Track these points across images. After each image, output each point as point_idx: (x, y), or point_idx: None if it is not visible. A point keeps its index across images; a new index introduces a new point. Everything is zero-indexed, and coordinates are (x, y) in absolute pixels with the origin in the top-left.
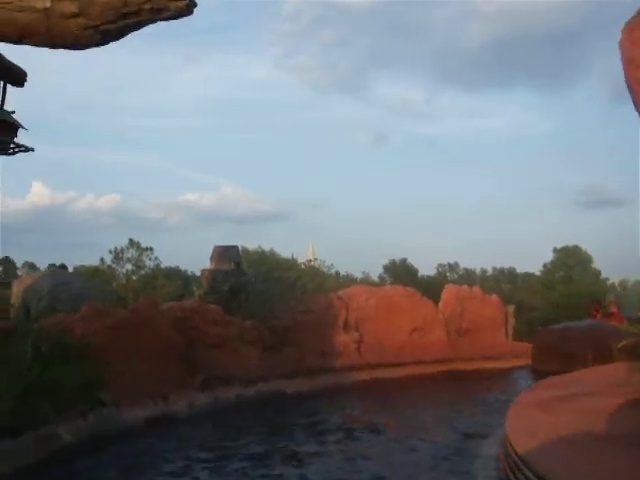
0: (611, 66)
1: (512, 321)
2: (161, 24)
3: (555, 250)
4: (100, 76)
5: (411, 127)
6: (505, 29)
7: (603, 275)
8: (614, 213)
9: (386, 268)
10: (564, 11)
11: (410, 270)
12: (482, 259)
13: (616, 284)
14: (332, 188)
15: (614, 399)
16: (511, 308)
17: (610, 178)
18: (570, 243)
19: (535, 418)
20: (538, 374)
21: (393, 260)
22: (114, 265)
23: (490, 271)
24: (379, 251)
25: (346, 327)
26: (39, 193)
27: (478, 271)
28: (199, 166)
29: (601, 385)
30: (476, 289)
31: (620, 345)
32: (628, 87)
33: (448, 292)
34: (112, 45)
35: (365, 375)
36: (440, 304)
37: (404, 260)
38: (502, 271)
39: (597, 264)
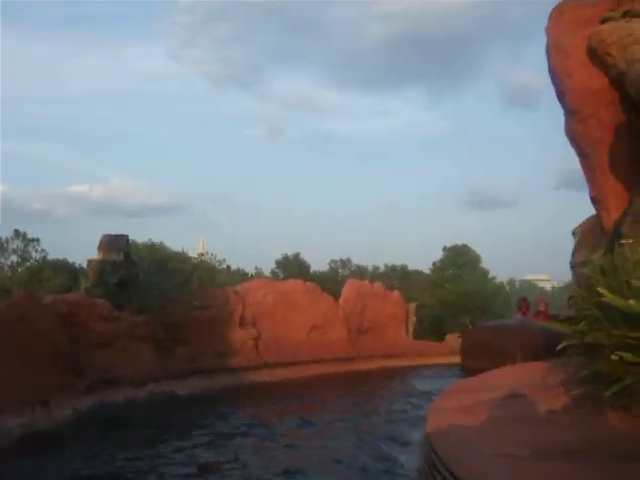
0: (505, 69)
1: (413, 319)
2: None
3: (445, 249)
4: None
5: (307, 123)
6: (403, 30)
7: (490, 274)
8: (503, 214)
9: (279, 263)
10: (460, 14)
11: (303, 265)
12: (374, 256)
13: (505, 283)
14: (231, 182)
15: (541, 404)
16: (412, 306)
17: (500, 179)
18: (460, 242)
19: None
20: (467, 371)
21: (286, 255)
22: None
23: (382, 268)
24: (272, 246)
25: (243, 323)
26: None
27: (370, 268)
28: (89, 157)
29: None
30: (378, 285)
31: (560, 346)
32: (552, 76)
33: (349, 288)
34: None
35: (264, 375)
36: (341, 300)
37: (297, 255)
38: (394, 268)
39: (485, 264)
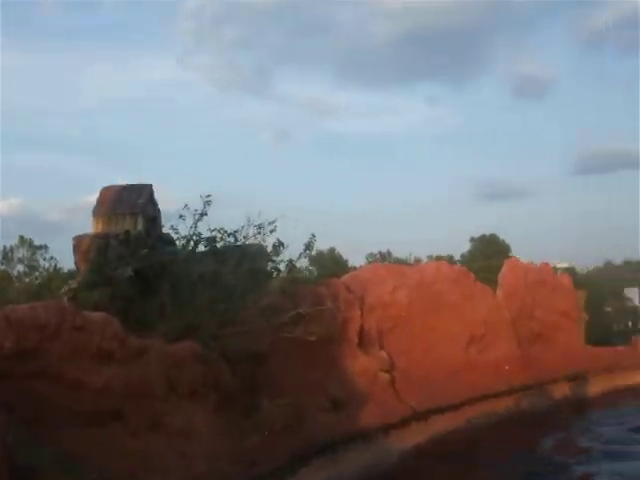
0: (512, 60)
1: (584, 316)
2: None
3: (472, 240)
4: None
5: (318, 125)
6: (409, 27)
7: None
8: (521, 203)
9: (312, 259)
10: (466, 7)
11: (339, 261)
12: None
13: None
14: (244, 186)
15: None
16: (583, 295)
17: (517, 170)
18: (484, 233)
19: None
20: None
21: (320, 250)
22: None
23: (424, 259)
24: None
25: (364, 343)
26: None
27: (412, 260)
28: (105, 166)
29: None
30: (546, 268)
31: None
32: None
33: (511, 271)
34: None
35: (416, 434)
36: (500, 292)
37: (332, 250)
38: (431, 259)
39: (514, 252)
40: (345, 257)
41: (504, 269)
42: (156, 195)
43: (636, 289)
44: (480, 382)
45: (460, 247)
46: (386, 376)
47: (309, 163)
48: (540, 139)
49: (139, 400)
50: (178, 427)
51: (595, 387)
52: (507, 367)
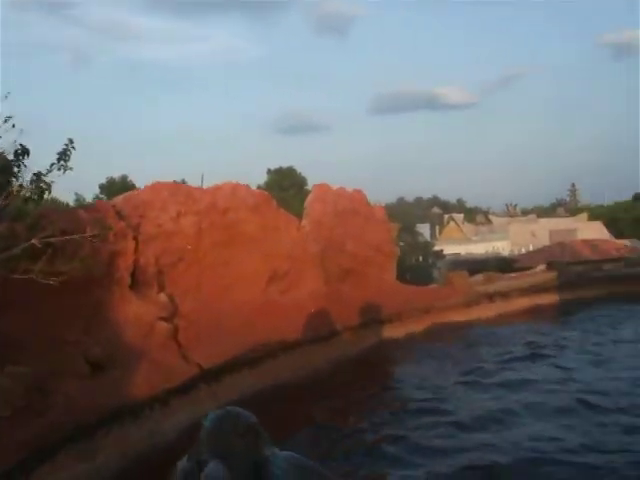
0: None
1: (397, 251)
2: None
3: (269, 172)
4: None
5: (121, 50)
6: None
7: None
8: (319, 138)
9: (102, 187)
10: None
11: (132, 189)
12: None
13: None
14: (36, 110)
15: None
16: (395, 227)
17: (313, 104)
18: (285, 165)
19: None
20: None
21: (112, 178)
22: None
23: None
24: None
25: (139, 284)
26: None
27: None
28: None
29: None
30: (359, 194)
31: None
32: None
33: (319, 198)
34: None
35: (205, 397)
36: (306, 222)
37: (125, 177)
38: None
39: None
40: (139, 186)
41: (311, 196)
42: None
43: (427, 225)
44: (283, 327)
45: (258, 179)
46: (166, 326)
47: (109, 88)
48: (341, 76)
49: None
50: None
51: (411, 328)
52: (313, 309)
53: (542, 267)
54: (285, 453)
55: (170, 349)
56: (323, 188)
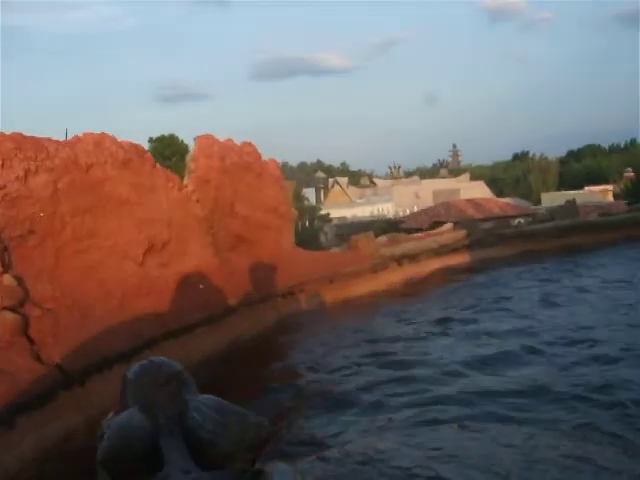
0: None
1: (294, 213)
2: None
3: (151, 140)
4: None
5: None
6: None
7: None
8: (194, 106)
9: None
10: None
11: None
12: None
13: None
14: None
15: None
16: (291, 185)
17: (190, 73)
18: (166, 133)
19: None
20: None
21: None
22: None
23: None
24: None
25: None
26: None
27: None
28: None
29: None
30: (250, 147)
31: None
32: None
33: (204, 152)
34: None
35: (70, 413)
36: (189, 181)
37: None
38: None
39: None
40: None
41: (194, 150)
42: None
43: (312, 189)
44: (166, 309)
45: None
46: (12, 317)
47: None
48: (221, 44)
49: None
50: None
51: (315, 300)
52: (202, 285)
53: (449, 226)
54: (203, 396)
55: (18, 348)
56: (208, 140)
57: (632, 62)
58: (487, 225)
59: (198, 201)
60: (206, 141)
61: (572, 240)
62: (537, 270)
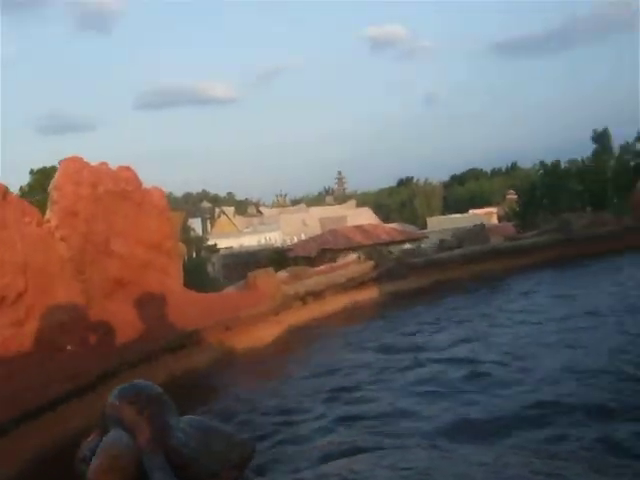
0: None
1: (182, 248)
2: None
3: (32, 172)
4: None
5: None
6: None
7: None
8: (77, 138)
9: None
10: None
11: None
12: None
13: None
14: None
15: None
16: (179, 217)
17: (72, 103)
18: (48, 164)
19: None
20: None
21: None
22: None
23: None
24: None
25: None
26: None
27: None
28: None
29: None
30: (127, 172)
31: None
32: None
33: (69, 175)
34: None
35: None
36: (51, 212)
37: None
38: None
39: None
40: None
41: (58, 175)
42: None
43: (198, 219)
44: (19, 384)
45: (20, 181)
46: None
47: None
48: (105, 74)
49: None
50: None
51: (210, 354)
52: (69, 346)
53: (353, 256)
54: (187, 417)
55: None
56: (76, 164)
57: (510, 89)
58: (395, 253)
59: (63, 239)
60: (73, 165)
61: (483, 267)
62: (448, 307)
